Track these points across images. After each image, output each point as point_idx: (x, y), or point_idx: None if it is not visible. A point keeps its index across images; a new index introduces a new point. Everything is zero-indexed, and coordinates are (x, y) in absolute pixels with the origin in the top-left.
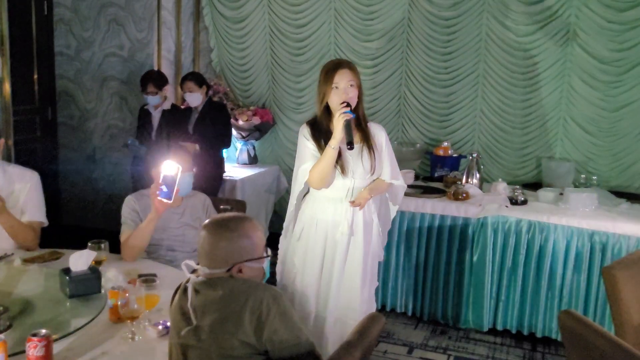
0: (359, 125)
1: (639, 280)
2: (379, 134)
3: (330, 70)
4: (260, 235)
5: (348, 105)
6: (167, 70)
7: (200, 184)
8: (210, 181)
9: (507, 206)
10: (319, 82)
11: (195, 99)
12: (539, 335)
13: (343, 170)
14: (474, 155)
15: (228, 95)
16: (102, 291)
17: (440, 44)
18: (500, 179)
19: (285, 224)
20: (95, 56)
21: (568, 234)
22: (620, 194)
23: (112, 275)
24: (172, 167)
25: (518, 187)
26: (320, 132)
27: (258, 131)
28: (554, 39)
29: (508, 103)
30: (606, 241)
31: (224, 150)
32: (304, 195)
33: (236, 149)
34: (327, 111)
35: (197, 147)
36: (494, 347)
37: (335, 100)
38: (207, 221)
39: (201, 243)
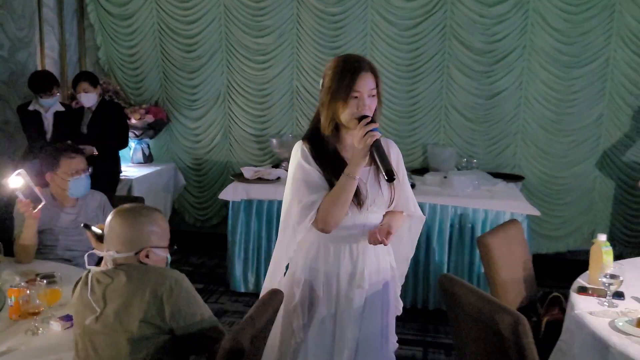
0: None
1: (508, 246)
2: (393, 152)
3: (351, 72)
4: (167, 227)
5: (372, 120)
6: (51, 69)
7: (96, 184)
8: (107, 181)
9: None
10: (328, 87)
11: (90, 99)
12: (431, 308)
13: (360, 203)
14: None
15: (119, 94)
16: None
17: (328, 39)
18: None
19: (267, 282)
20: None
21: (452, 213)
22: (497, 174)
23: (8, 276)
24: (16, 181)
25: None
26: (327, 155)
27: (152, 129)
28: (433, 33)
29: (395, 94)
30: (485, 217)
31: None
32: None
33: (130, 148)
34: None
35: (95, 150)
36: None
37: (349, 112)
38: (118, 208)
39: (112, 227)
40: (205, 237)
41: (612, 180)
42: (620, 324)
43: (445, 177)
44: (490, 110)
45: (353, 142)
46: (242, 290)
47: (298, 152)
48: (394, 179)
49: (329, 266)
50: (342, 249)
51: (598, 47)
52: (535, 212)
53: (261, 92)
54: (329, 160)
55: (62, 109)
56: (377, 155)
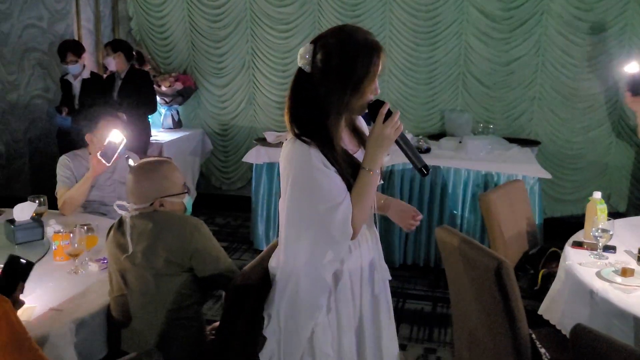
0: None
1: (509, 203)
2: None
3: (376, 50)
4: (177, 175)
5: (390, 110)
6: (87, 40)
7: (128, 148)
8: (138, 146)
9: None
10: (351, 70)
11: (110, 63)
12: (442, 267)
13: None
14: None
15: (150, 63)
16: (45, 238)
17: (349, 8)
18: (406, 131)
19: (309, 303)
20: (14, 28)
21: (465, 175)
22: (513, 139)
23: (53, 225)
24: (118, 136)
25: (422, 136)
26: (338, 153)
27: (181, 96)
28: (451, 0)
29: (413, 61)
30: (497, 180)
31: (150, 115)
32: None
33: (160, 114)
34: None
35: (124, 116)
36: (403, 279)
37: (367, 98)
38: (133, 166)
39: (128, 184)
40: (230, 199)
41: (628, 145)
42: (606, 273)
43: (460, 142)
44: (507, 76)
45: (377, 131)
46: (264, 248)
47: (309, 157)
48: (429, 172)
49: (352, 263)
50: (361, 242)
51: (616, 13)
52: (547, 175)
53: (284, 60)
54: (341, 160)
55: (88, 76)
56: (406, 148)
